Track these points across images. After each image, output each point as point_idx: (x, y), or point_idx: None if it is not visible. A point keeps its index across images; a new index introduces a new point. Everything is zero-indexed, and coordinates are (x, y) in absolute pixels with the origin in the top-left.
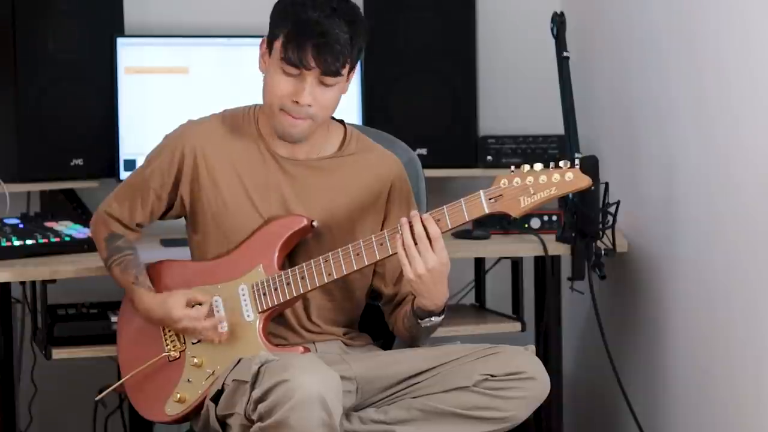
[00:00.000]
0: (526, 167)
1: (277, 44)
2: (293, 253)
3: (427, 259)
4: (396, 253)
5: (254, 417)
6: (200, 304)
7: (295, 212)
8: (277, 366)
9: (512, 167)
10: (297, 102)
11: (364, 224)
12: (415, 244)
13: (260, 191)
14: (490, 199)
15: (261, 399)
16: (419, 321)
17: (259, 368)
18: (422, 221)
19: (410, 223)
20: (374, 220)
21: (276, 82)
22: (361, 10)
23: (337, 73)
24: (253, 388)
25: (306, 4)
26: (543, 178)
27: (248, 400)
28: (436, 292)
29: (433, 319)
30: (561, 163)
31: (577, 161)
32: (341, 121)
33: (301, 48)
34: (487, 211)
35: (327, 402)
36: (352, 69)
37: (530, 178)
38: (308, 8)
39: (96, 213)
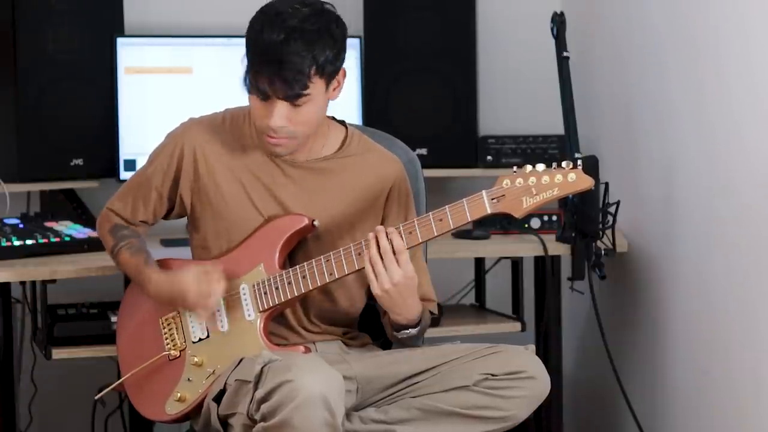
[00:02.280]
0: (529, 167)
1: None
2: (292, 254)
3: (392, 273)
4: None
5: (257, 417)
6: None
7: (294, 212)
8: (280, 366)
9: (514, 168)
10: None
11: (363, 225)
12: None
13: (259, 191)
14: (492, 199)
15: (264, 399)
16: (395, 333)
17: (262, 368)
18: (387, 235)
19: (376, 237)
20: (374, 220)
21: (253, 105)
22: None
23: (299, 96)
24: (256, 388)
25: (263, 27)
26: (545, 178)
27: (251, 399)
28: (406, 306)
29: (409, 330)
30: (563, 164)
31: (579, 162)
32: (342, 122)
33: (260, 78)
34: (489, 211)
35: (330, 402)
36: (331, 79)
37: (533, 179)
38: (265, 30)
39: (101, 213)
